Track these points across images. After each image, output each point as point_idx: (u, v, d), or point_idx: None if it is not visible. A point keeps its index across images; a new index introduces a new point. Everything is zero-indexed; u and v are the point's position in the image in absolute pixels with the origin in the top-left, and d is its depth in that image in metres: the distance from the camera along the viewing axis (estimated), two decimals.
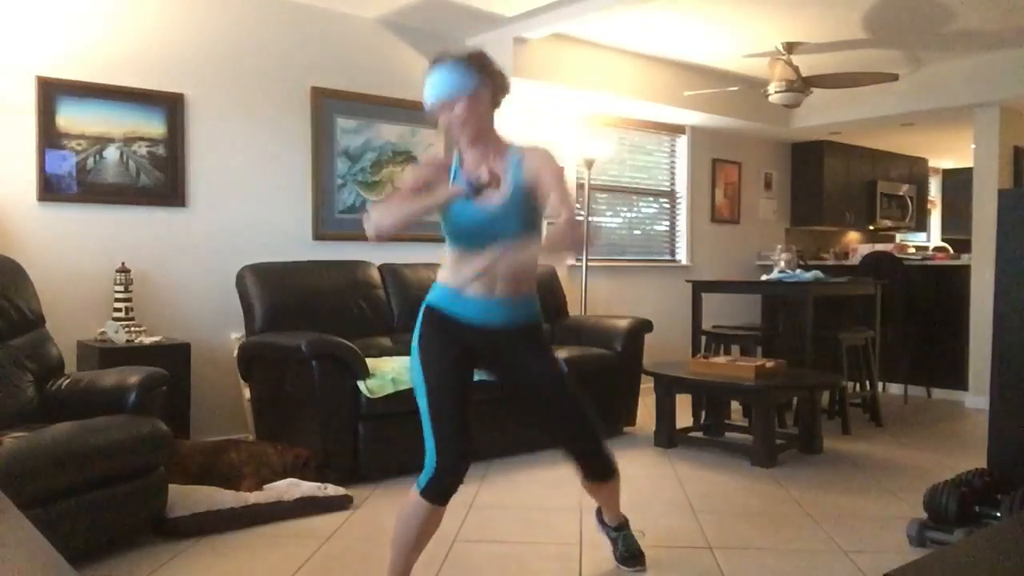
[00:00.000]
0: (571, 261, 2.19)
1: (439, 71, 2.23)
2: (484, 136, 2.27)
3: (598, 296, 6.06)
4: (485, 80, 2.24)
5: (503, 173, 2.24)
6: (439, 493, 2.22)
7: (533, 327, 2.41)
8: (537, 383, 2.39)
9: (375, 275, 4.61)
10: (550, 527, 3.16)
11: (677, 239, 6.89)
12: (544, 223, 2.34)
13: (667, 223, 6.84)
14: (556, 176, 2.19)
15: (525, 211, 2.25)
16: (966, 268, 6.05)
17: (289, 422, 3.84)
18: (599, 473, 2.52)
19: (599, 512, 2.80)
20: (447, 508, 2.30)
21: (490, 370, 2.43)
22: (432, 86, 2.24)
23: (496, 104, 2.29)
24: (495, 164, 2.26)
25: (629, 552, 2.72)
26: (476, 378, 2.36)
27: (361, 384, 3.67)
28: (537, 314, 2.42)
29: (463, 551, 2.90)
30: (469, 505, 3.41)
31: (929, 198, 9.47)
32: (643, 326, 4.85)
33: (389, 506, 3.39)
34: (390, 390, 3.71)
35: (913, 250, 7.24)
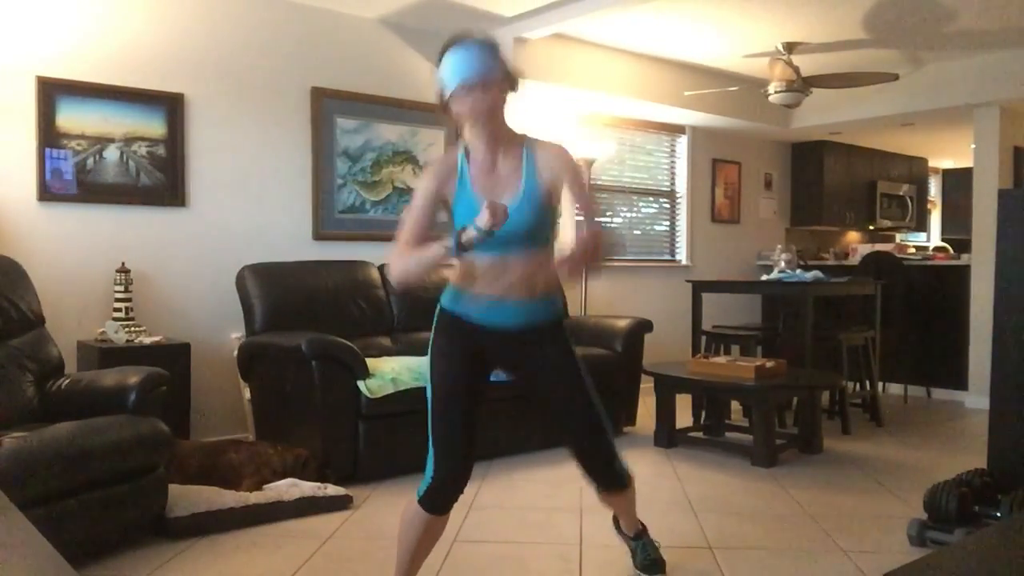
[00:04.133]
0: (596, 279, 1.92)
1: (465, 50, 2.06)
2: (500, 128, 2.15)
3: (598, 296, 6.06)
4: (505, 68, 2.12)
5: (515, 167, 2.14)
6: (437, 503, 2.18)
7: (550, 328, 2.26)
8: (549, 387, 2.28)
9: (375, 275, 4.62)
10: (550, 527, 3.16)
11: (677, 239, 6.89)
12: (559, 223, 2.26)
13: (667, 223, 6.84)
14: (580, 181, 2.16)
15: (539, 211, 2.13)
16: (966, 268, 6.05)
17: (289, 422, 3.84)
18: (610, 484, 2.40)
19: (616, 520, 2.70)
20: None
21: (505, 370, 2.34)
22: (460, 64, 2.05)
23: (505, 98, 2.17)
24: (508, 154, 2.15)
25: (649, 559, 2.61)
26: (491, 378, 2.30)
27: (361, 384, 3.67)
28: (556, 314, 2.28)
29: (463, 551, 2.90)
30: (469, 505, 3.41)
31: (929, 198, 9.47)
32: (643, 326, 4.85)
33: (389, 506, 3.39)
34: (390, 390, 3.71)
35: (913, 250, 7.25)
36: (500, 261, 2.12)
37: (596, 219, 2.13)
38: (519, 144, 2.19)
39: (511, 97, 2.18)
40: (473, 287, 2.17)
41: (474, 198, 2.11)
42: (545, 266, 2.18)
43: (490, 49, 2.10)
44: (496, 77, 2.08)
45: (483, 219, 1.91)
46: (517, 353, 2.26)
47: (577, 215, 2.22)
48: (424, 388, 3.89)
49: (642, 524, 2.67)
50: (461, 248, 1.97)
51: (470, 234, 1.94)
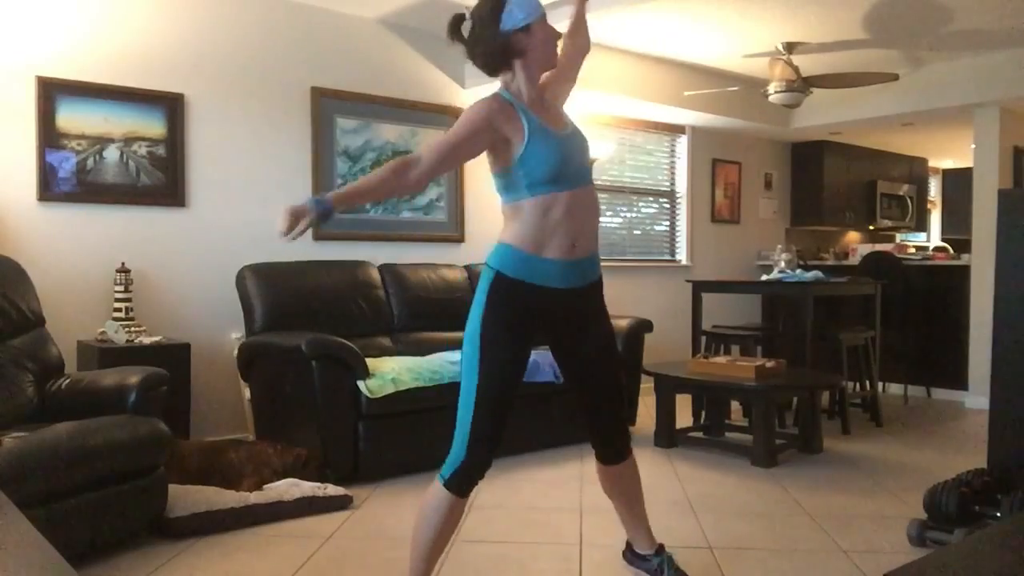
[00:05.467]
0: None
1: None
2: None
3: None
4: None
5: (558, 107, 2.29)
6: (463, 485, 2.14)
7: (600, 285, 2.31)
8: (592, 348, 2.27)
9: (375, 275, 4.62)
10: (550, 527, 3.16)
11: (677, 239, 6.89)
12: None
13: (667, 223, 6.84)
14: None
15: (586, 143, 2.29)
16: (966, 268, 6.05)
17: (289, 422, 3.84)
18: (616, 451, 2.37)
19: (629, 547, 2.60)
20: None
21: (549, 336, 2.28)
22: None
23: None
24: (543, 95, 2.26)
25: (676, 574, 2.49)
26: None
27: (361, 384, 3.67)
28: (600, 270, 2.32)
29: (463, 551, 2.90)
30: (469, 505, 3.39)
31: (929, 198, 9.47)
32: (643, 326, 4.85)
33: (389, 506, 3.39)
34: (390, 390, 3.71)
35: (913, 250, 7.24)
36: (575, 197, 2.13)
37: None
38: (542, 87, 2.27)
39: None
40: (553, 240, 2.12)
41: (552, 136, 2.14)
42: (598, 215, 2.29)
43: None
44: None
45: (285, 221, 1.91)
46: (572, 314, 2.24)
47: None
48: (424, 387, 3.90)
49: (657, 541, 2.56)
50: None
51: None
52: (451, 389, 3.76)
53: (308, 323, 4.13)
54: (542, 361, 4.19)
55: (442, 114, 5.22)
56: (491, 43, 2.13)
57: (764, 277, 5.21)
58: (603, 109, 6.04)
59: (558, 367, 2.40)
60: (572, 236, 2.13)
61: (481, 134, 2.07)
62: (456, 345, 4.58)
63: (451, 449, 2.15)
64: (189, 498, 3.08)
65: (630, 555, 2.62)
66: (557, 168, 2.09)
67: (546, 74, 2.28)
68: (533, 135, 2.10)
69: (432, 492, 2.17)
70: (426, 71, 5.17)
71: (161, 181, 4.18)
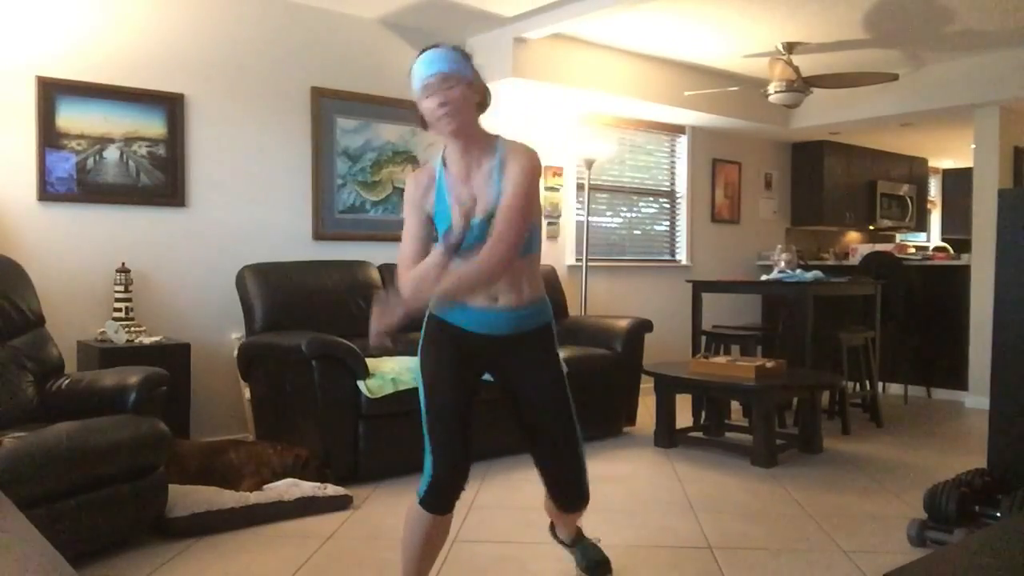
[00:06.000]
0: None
1: (435, 52, 2.09)
2: (468, 131, 2.12)
3: (598, 296, 6.06)
4: (475, 77, 2.13)
5: (487, 176, 2.13)
6: (438, 503, 2.16)
7: (539, 334, 2.27)
8: (534, 393, 2.26)
9: (375, 275, 4.62)
10: None
11: (677, 239, 6.89)
12: (540, 225, 2.25)
13: (667, 223, 6.84)
14: (516, 186, 2.05)
15: None
16: (966, 268, 6.06)
17: (289, 422, 3.84)
18: (570, 503, 2.36)
19: (552, 527, 2.70)
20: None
21: (492, 374, 2.33)
22: (427, 63, 2.07)
23: (481, 109, 2.16)
24: (481, 163, 2.14)
25: (590, 563, 2.60)
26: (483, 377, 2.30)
27: (361, 384, 3.67)
28: (544, 320, 2.28)
29: (463, 551, 2.90)
30: (469, 505, 3.41)
31: (929, 198, 9.47)
32: (643, 326, 4.85)
33: (389, 506, 3.39)
34: (390, 390, 3.71)
35: (913, 250, 7.24)
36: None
37: (499, 241, 2.02)
38: (492, 151, 2.14)
39: (488, 112, 2.19)
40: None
41: (449, 210, 2.14)
42: (528, 273, 2.20)
43: (454, 52, 2.11)
44: (460, 75, 2.08)
45: (455, 220, 2.03)
46: (505, 358, 2.26)
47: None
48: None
49: (577, 529, 2.63)
50: (452, 250, 2.04)
51: (451, 237, 2.04)
52: None
53: (308, 323, 4.13)
54: None
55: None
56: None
57: (764, 277, 5.21)
58: (603, 109, 6.04)
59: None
60: (486, 299, 2.16)
61: (419, 213, 2.20)
62: None
63: (423, 468, 2.18)
64: (189, 498, 3.08)
65: (552, 534, 2.71)
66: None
67: (519, 162, 2.12)
68: (438, 212, 2.17)
69: (412, 510, 2.20)
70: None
71: (161, 181, 4.18)
